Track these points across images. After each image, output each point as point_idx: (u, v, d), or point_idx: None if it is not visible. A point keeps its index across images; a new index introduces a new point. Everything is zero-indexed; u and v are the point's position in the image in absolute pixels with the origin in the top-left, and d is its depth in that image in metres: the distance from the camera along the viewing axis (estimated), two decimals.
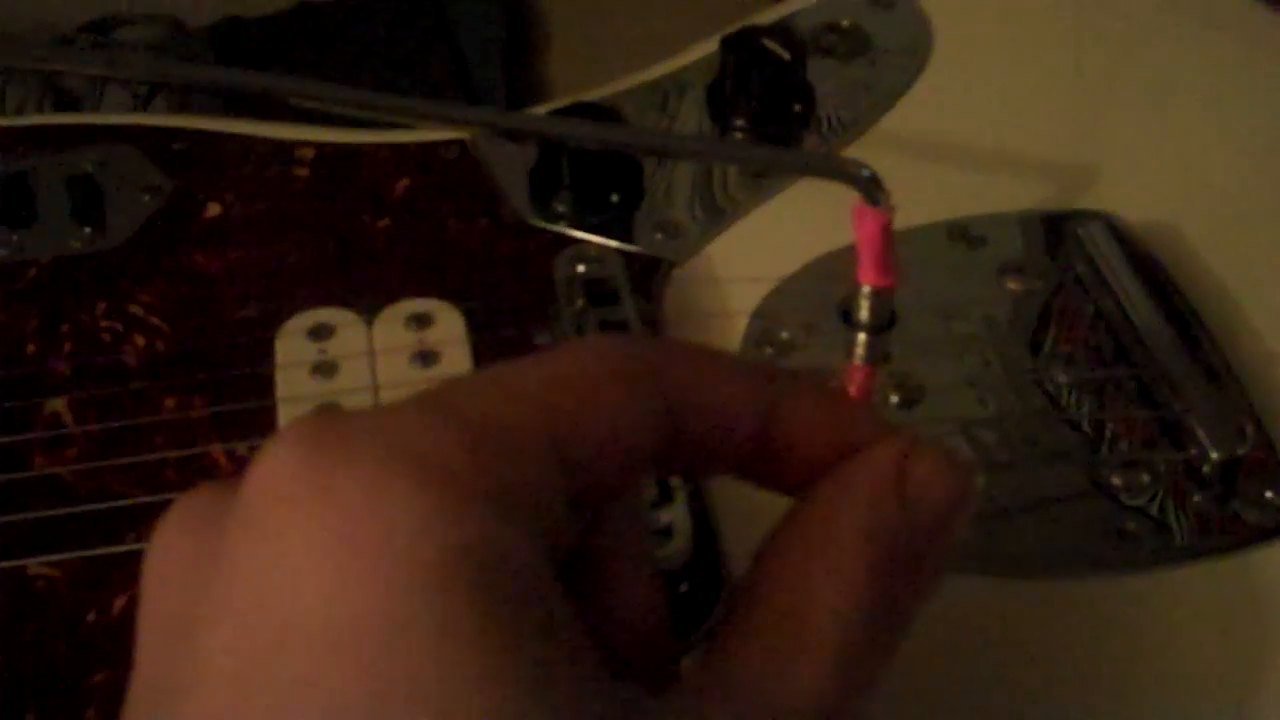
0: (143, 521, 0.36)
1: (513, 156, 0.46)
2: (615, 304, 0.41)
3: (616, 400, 0.22)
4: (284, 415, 0.39)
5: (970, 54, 0.50)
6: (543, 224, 0.45)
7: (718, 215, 0.45)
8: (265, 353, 0.40)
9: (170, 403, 0.39)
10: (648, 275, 0.43)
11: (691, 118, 0.49)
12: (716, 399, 0.24)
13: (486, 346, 0.40)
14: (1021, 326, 0.41)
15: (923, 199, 0.40)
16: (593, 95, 0.49)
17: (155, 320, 0.42)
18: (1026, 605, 0.35)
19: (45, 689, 0.33)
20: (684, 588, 0.34)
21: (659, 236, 0.44)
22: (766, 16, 0.52)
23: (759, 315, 0.41)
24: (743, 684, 0.22)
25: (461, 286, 0.42)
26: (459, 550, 0.19)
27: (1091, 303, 0.41)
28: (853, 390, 0.39)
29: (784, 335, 0.41)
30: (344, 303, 0.42)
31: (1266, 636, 0.34)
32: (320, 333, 0.41)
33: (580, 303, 0.41)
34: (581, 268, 0.42)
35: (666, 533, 0.34)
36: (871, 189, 0.36)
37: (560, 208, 0.45)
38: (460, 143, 0.47)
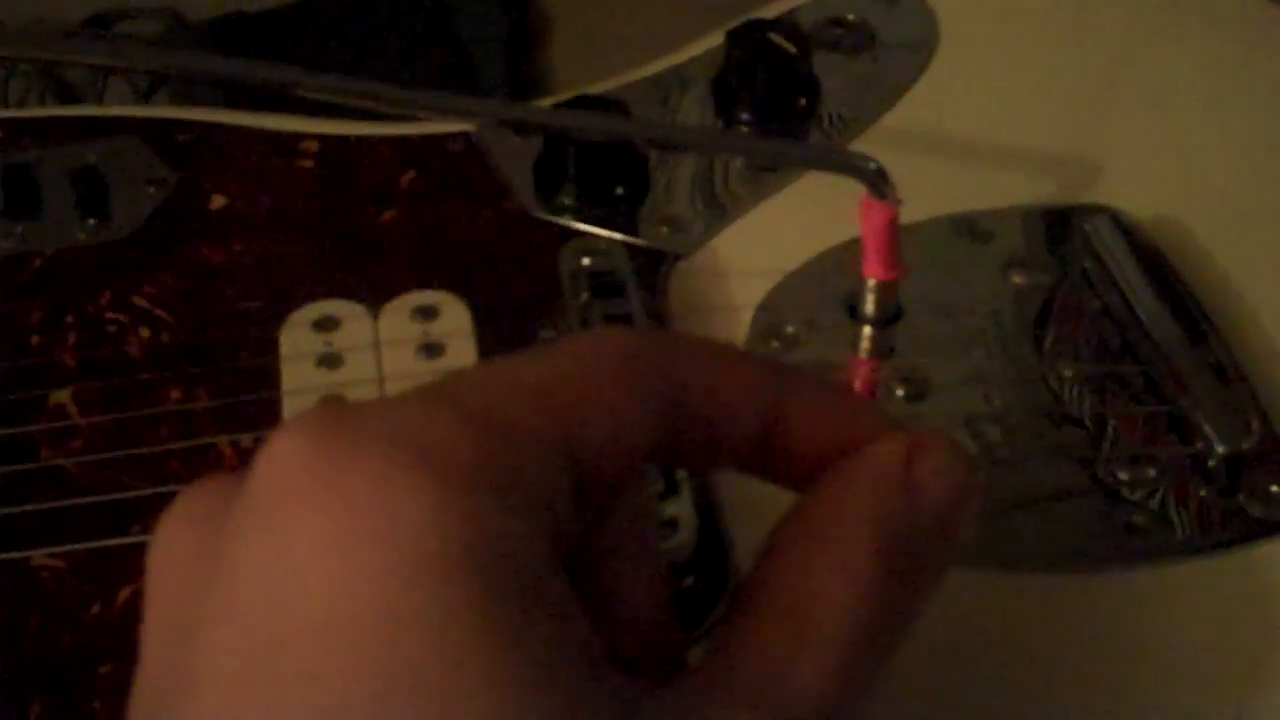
0: (147, 513, 0.36)
1: (518, 149, 0.46)
2: (620, 297, 0.41)
3: (621, 394, 0.22)
4: (289, 407, 0.39)
5: (975, 49, 0.50)
6: (548, 217, 0.45)
7: (722, 209, 0.45)
8: (270, 345, 0.40)
9: (175, 394, 0.39)
10: (653, 268, 0.43)
11: (695, 112, 0.49)
12: (721, 393, 0.24)
13: (492, 339, 0.40)
14: (1026, 321, 0.41)
15: (927, 194, 0.40)
16: (596, 89, 0.49)
17: (160, 312, 0.42)
18: (1028, 600, 0.35)
19: (51, 680, 0.33)
20: (689, 581, 0.34)
21: (664, 230, 0.44)
22: (770, 11, 0.52)
23: (764, 309, 0.41)
24: (745, 682, 0.22)
25: (466, 279, 0.42)
26: (463, 543, 0.19)
27: (1097, 297, 0.41)
28: (858, 384, 0.39)
29: (789, 329, 0.41)
30: (349, 295, 0.42)
31: (1269, 631, 0.34)
32: (325, 325, 0.41)
33: (585, 295, 0.41)
34: (586, 260, 0.42)
35: (672, 526, 0.34)
36: (878, 182, 0.36)
37: (565, 200, 0.45)
38: (465, 135, 0.47)
